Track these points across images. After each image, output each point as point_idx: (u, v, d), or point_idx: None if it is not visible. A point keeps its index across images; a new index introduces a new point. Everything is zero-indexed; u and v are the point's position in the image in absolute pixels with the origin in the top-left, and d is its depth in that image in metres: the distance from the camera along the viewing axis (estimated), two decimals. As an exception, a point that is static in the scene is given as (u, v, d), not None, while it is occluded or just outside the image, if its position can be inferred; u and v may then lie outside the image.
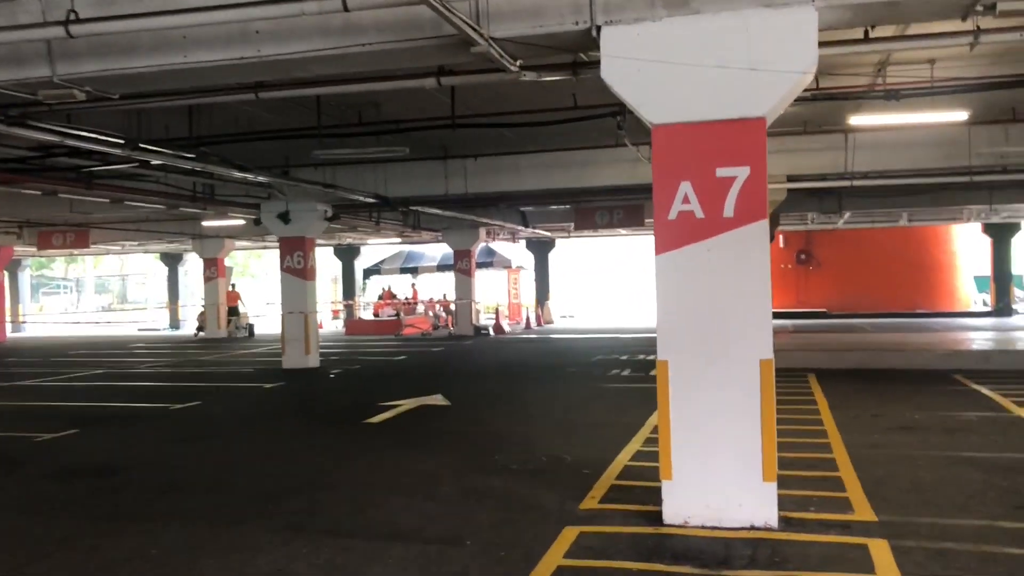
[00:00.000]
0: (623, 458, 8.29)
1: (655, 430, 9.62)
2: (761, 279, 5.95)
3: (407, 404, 12.23)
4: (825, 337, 21.40)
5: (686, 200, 5.99)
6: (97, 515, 6.79)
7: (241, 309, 31.29)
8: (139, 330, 36.83)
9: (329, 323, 37.19)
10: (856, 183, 15.70)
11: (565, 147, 15.80)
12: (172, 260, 39.45)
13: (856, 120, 11.40)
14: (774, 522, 5.98)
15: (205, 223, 24.36)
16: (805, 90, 7.37)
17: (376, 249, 39.50)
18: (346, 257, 38.49)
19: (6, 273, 42.24)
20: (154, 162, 11.63)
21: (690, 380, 6.05)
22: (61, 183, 13.53)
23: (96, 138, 9.36)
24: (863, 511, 6.38)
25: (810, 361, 15.74)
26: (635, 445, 8.92)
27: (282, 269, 17.83)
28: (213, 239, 29.49)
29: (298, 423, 11.42)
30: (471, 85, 9.27)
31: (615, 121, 13.32)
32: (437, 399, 12.73)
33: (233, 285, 32.95)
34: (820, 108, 13.23)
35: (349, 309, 36.80)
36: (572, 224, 29.35)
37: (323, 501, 7.05)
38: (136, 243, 32.14)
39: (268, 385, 15.23)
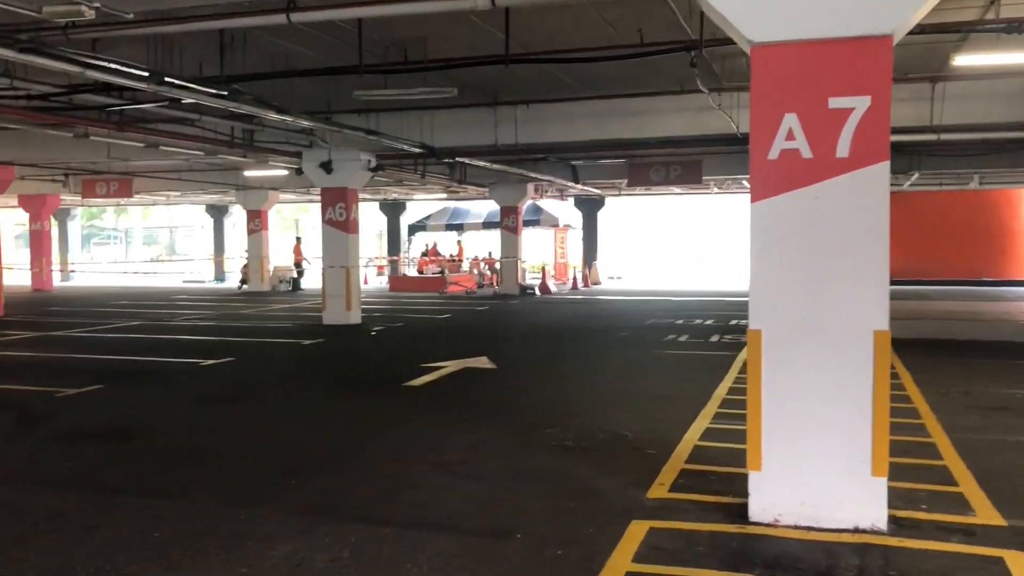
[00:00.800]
0: (692, 437, 7.36)
1: (724, 404, 8.73)
2: (878, 234, 4.92)
3: (450, 366, 11.40)
4: (894, 304, 20.08)
5: (790, 136, 4.96)
6: (102, 486, 6.06)
7: (304, 265, 30.64)
8: (184, 282, 36.62)
9: (374, 279, 36.62)
10: (943, 137, 14.35)
11: (623, 93, 14.66)
12: (218, 212, 39.10)
13: (961, 60, 10.12)
14: (883, 524, 5.01)
15: (247, 173, 23.65)
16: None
17: (422, 205, 38.71)
18: (391, 213, 37.75)
19: (55, 222, 42.52)
20: (185, 100, 10.82)
21: (788, 353, 5.07)
22: (90, 123, 12.79)
23: (118, 70, 8.54)
24: (985, 512, 5.38)
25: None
26: (703, 422, 7.97)
27: (324, 221, 17.05)
28: (256, 190, 28.87)
29: (334, 385, 10.67)
30: (528, 8, 8.23)
31: (683, 63, 12.19)
32: (482, 362, 11.88)
33: (299, 239, 32.32)
34: (911, 52, 11.94)
35: (394, 265, 36.13)
36: (624, 181, 28.29)
37: (354, 479, 6.23)
38: (179, 193, 31.70)
39: (306, 342, 14.54)
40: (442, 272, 30.25)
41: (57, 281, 35.48)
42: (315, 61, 11.46)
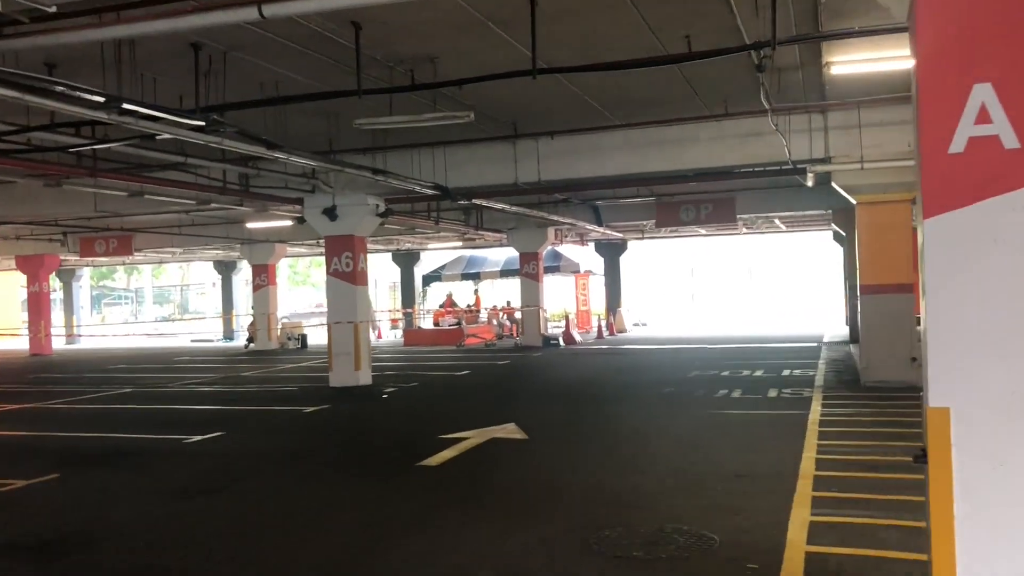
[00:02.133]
0: (798, 537, 5.59)
1: (819, 483, 6.85)
2: None
3: (473, 437, 9.69)
4: None
5: (983, 116, 3.31)
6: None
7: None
8: (192, 341, 35.13)
9: (388, 332, 35.03)
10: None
11: (657, 120, 13.15)
12: (226, 268, 37.78)
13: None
14: None
15: (251, 225, 22.26)
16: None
17: (436, 255, 37.29)
18: (405, 263, 36.28)
19: (60, 283, 41.33)
20: (161, 137, 9.33)
21: (994, 442, 3.36)
22: (58, 167, 11.34)
23: (66, 94, 7.04)
24: None
25: None
26: (802, 512, 6.21)
27: (328, 273, 15.50)
28: (263, 244, 27.45)
29: (336, 466, 8.96)
30: (557, 11, 6.70)
31: (731, 79, 10.69)
32: (510, 430, 10.17)
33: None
34: None
35: (408, 318, 34.52)
36: (647, 223, 26.74)
37: (351, 619, 4.53)
38: (182, 250, 30.39)
39: (309, 409, 12.87)
40: (459, 323, 28.62)
41: (62, 345, 34.13)
42: (310, 87, 9.99)
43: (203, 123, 8.50)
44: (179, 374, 19.40)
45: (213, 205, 16.89)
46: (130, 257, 29.82)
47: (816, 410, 10.93)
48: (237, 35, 8.24)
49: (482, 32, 8.65)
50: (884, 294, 12.96)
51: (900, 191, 12.93)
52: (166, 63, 9.03)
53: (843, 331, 27.42)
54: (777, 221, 28.04)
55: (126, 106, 7.42)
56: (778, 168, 14.18)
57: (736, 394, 12.84)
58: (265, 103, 9.20)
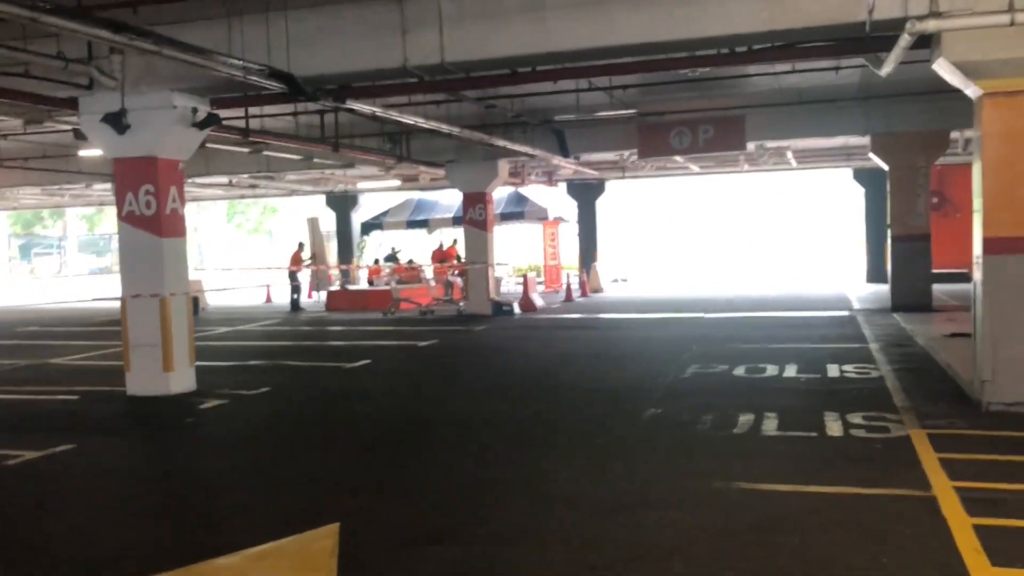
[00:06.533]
0: None
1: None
2: None
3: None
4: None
5: None
6: None
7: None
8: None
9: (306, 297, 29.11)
10: None
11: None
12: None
13: None
14: None
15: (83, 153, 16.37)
16: None
17: (378, 199, 31.70)
18: (340, 208, 30.54)
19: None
20: None
21: None
22: None
23: None
24: None
25: None
26: None
27: (120, 217, 9.87)
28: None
29: None
30: None
31: None
32: (322, 547, 4.75)
33: (301, 244, 24.82)
34: None
35: (347, 275, 28.79)
36: (628, 156, 21.10)
37: None
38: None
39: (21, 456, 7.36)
40: (400, 283, 23.02)
41: None
42: None
43: None
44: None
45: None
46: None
47: (941, 484, 5.54)
48: None
49: None
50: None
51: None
52: None
53: (868, 291, 22.09)
54: (790, 155, 22.46)
55: None
56: (834, 43, 8.64)
57: (769, 426, 7.40)
58: None
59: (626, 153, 20.48)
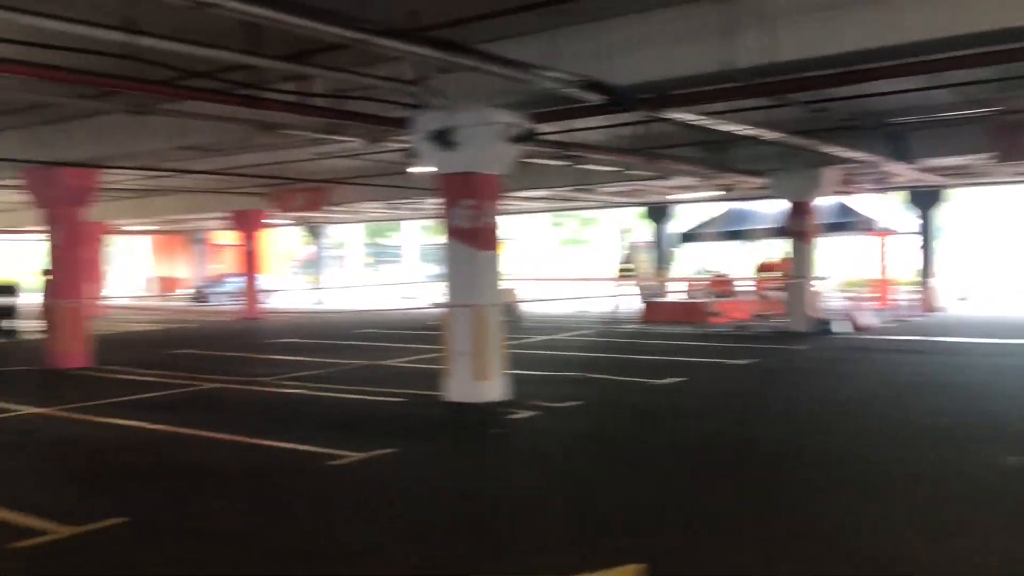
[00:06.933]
0: None
1: None
2: None
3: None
4: None
5: None
6: None
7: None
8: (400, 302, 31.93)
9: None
10: None
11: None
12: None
13: None
14: None
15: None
16: None
17: (692, 210, 31.04)
18: (657, 219, 30.39)
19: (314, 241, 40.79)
20: None
21: None
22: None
23: None
24: None
25: None
26: None
27: (444, 230, 10.32)
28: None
29: None
30: None
31: None
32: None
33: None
34: None
35: (660, 288, 28.37)
36: (979, 160, 18.50)
37: None
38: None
39: (351, 457, 7.82)
40: (719, 297, 22.21)
41: (311, 303, 33.40)
42: None
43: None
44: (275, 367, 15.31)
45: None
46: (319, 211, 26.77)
47: None
48: None
49: None
50: None
51: None
52: None
53: None
54: None
55: None
56: None
57: None
58: None
59: (973, 157, 18.02)
